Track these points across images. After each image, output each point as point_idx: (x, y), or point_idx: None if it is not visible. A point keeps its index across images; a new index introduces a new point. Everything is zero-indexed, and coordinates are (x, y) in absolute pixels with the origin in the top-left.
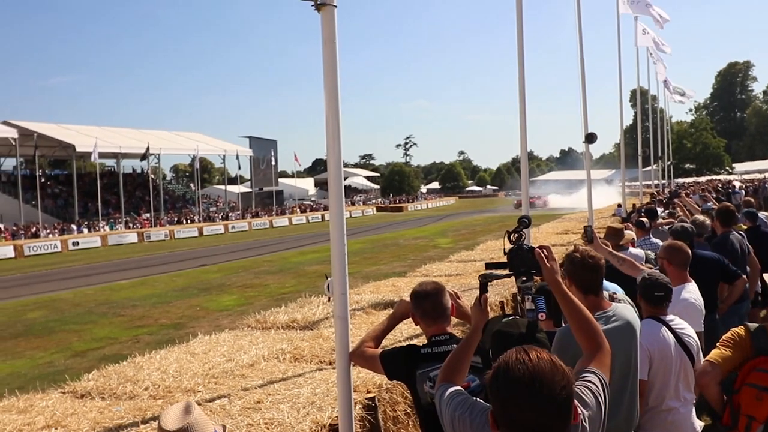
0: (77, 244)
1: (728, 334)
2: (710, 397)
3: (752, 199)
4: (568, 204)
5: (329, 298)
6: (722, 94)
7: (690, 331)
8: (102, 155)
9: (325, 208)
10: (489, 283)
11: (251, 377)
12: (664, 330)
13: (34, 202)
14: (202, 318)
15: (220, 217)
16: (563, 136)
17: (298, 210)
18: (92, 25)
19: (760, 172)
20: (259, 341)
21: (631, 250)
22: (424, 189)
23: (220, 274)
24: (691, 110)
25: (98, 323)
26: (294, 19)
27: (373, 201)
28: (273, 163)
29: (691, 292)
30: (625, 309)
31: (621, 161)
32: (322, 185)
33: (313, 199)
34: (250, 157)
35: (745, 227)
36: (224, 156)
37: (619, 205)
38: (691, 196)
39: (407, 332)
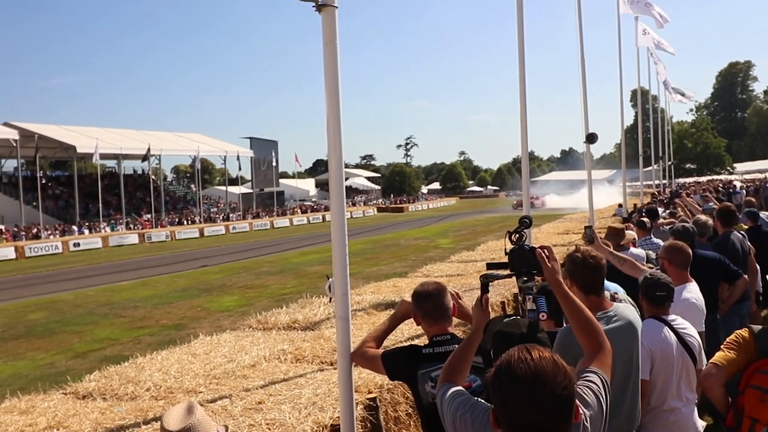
0: (78, 245)
1: (732, 336)
2: (715, 399)
3: (753, 199)
4: (567, 204)
5: (330, 298)
6: (723, 94)
7: (692, 331)
8: (103, 156)
9: (326, 209)
10: (490, 284)
11: (253, 378)
12: (666, 330)
13: (35, 204)
14: (204, 319)
15: (221, 217)
16: (564, 136)
17: (298, 211)
18: (93, 25)
19: (760, 171)
20: (261, 342)
21: (632, 250)
22: (424, 189)
23: (221, 274)
24: (691, 110)
25: (99, 324)
26: (295, 20)
27: (374, 201)
28: (274, 163)
29: (692, 292)
30: (626, 309)
31: (622, 161)
32: (322, 186)
33: (313, 199)
34: (251, 157)
35: (746, 227)
36: (225, 157)
37: (620, 205)
38: (692, 196)
39: (408, 333)
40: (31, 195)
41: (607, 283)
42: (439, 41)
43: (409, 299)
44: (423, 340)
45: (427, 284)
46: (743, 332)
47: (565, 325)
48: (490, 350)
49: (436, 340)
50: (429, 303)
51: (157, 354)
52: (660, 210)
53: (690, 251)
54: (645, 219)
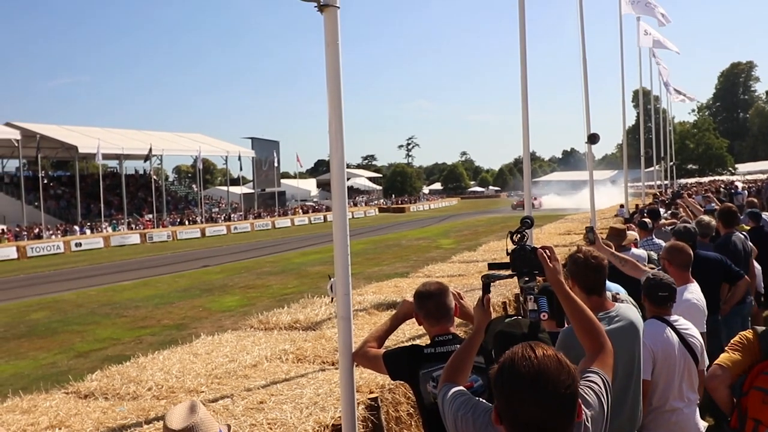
0: (80, 245)
1: (737, 338)
2: (720, 401)
3: (756, 200)
4: (564, 205)
5: (332, 298)
6: (725, 94)
7: (694, 332)
8: (104, 156)
9: (327, 209)
10: (492, 284)
11: (254, 378)
12: (668, 330)
13: (36, 204)
14: (205, 319)
15: (222, 218)
16: (565, 136)
17: (300, 211)
18: (94, 25)
19: (762, 172)
20: (262, 342)
21: (634, 250)
22: (426, 190)
23: (223, 274)
24: (693, 111)
25: (101, 324)
26: (296, 21)
27: (376, 202)
28: (275, 164)
29: (693, 292)
30: (628, 309)
31: (624, 162)
32: (324, 186)
33: (315, 199)
34: (253, 158)
35: (749, 228)
36: (226, 157)
37: (622, 206)
38: (693, 196)
39: (410, 333)
40: (33, 195)
41: (608, 283)
42: (440, 41)
43: (411, 299)
44: (424, 340)
45: (429, 284)
46: (748, 333)
47: (566, 325)
48: (492, 350)
49: (437, 340)
50: (431, 303)
51: (158, 354)
52: (662, 211)
53: (691, 252)
54: (646, 220)
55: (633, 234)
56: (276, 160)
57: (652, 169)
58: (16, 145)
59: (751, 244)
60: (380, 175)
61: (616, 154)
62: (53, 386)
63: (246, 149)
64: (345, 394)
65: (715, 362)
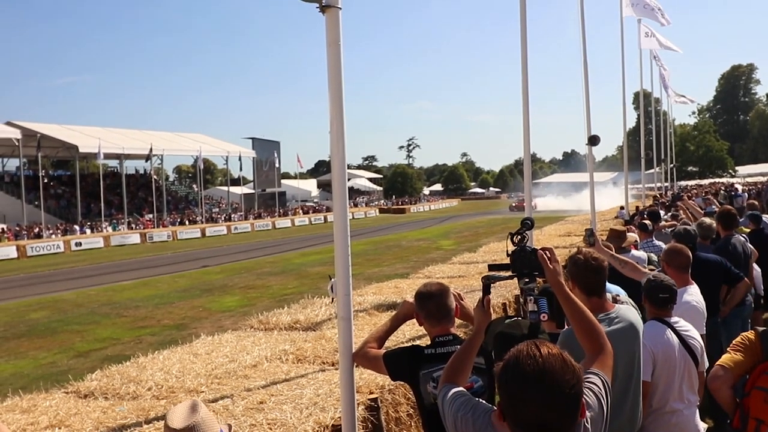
0: (80, 244)
1: (738, 339)
2: (722, 401)
3: (756, 202)
4: (561, 206)
5: (332, 299)
6: (725, 96)
7: (694, 333)
8: (105, 156)
9: (328, 210)
10: (492, 285)
11: (254, 378)
12: (669, 332)
13: (37, 203)
14: (205, 319)
15: (222, 218)
16: (566, 138)
17: (300, 211)
18: (95, 25)
19: (763, 175)
20: (262, 342)
21: (634, 252)
22: (426, 191)
23: (223, 275)
24: (694, 113)
25: (101, 324)
26: (298, 21)
27: (376, 202)
28: (276, 164)
29: (693, 294)
30: (628, 311)
31: (624, 164)
32: (324, 187)
33: (315, 200)
34: (253, 158)
35: (749, 230)
36: (227, 157)
37: (622, 208)
38: (693, 198)
39: (410, 334)
40: (33, 194)
41: (608, 285)
42: (441, 42)
43: (411, 300)
44: (425, 341)
45: (430, 285)
46: (749, 334)
47: (566, 326)
48: (492, 351)
49: (438, 340)
50: (432, 303)
51: (158, 353)
52: (662, 213)
53: (689, 254)
54: (647, 221)
55: (633, 236)
56: (277, 160)
57: (652, 171)
58: (17, 144)
59: (751, 246)
60: (381, 176)
61: (616, 156)
62: (53, 386)
63: (246, 149)
64: (345, 394)
65: (717, 363)
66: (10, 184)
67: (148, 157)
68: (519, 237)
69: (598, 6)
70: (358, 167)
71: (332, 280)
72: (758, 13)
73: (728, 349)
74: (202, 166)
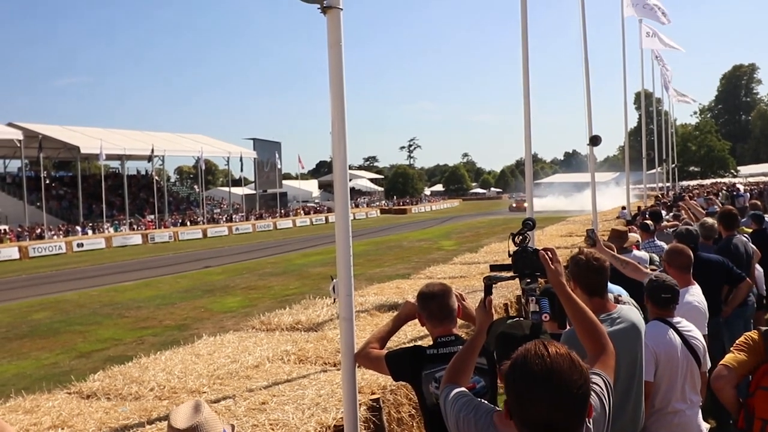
0: (82, 245)
1: (742, 339)
2: (726, 401)
3: (758, 202)
4: (560, 207)
5: (334, 299)
6: (727, 96)
7: (697, 334)
8: (107, 157)
9: (329, 210)
10: (493, 285)
11: (256, 378)
12: (671, 332)
13: (38, 204)
14: (207, 319)
15: (224, 218)
16: (567, 138)
17: (301, 212)
18: (96, 26)
19: (765, 174)
20: (264, 343)
21: (635, 252)
22: (427, 191)
23: (225, 275)
24: (695, 113)
25: (103, 324)
26: (299, 22)
27: (377, 203)
28: (277, 165)
29: (695, 295)
30: (630, 311)
31: (626, 164)
32: (325, 187)
33: (316, 201)
34: (254, 159)
35: (750, 230)
36: (228, 158)
37: (624, 208)
38: (695, 199)
39: (411, 334)
40: (35, 195)
41: (610, 285)
42: (442, 42)
43: (413, 300)
44: (427, 342)
45: (433, 285)
46: (753, 334)
47: (568, 327)
48: (494, 352)
49: (440, 341)
50: (434, 304)
51: (160, 354)
52: (663, 213)
53: (690, 254)
54: (648, 222)
55: (635, 236)
56: (278, 161)
57: (654, 171)
58: (18, 145)
59: (753, 246)
60: (382, 177)
61: (618, 156)
62: (55, 386)
63: (248, 150)
64: (347, 395)
65: (721, 362)
66: (12, 185)
67: (149, 158)
68: (520, 237)
69: (599, 6)
70: (360, 168)
71: (334, 280)
72: (760, 13)
73: (731, 348)
74: (203, 167)
